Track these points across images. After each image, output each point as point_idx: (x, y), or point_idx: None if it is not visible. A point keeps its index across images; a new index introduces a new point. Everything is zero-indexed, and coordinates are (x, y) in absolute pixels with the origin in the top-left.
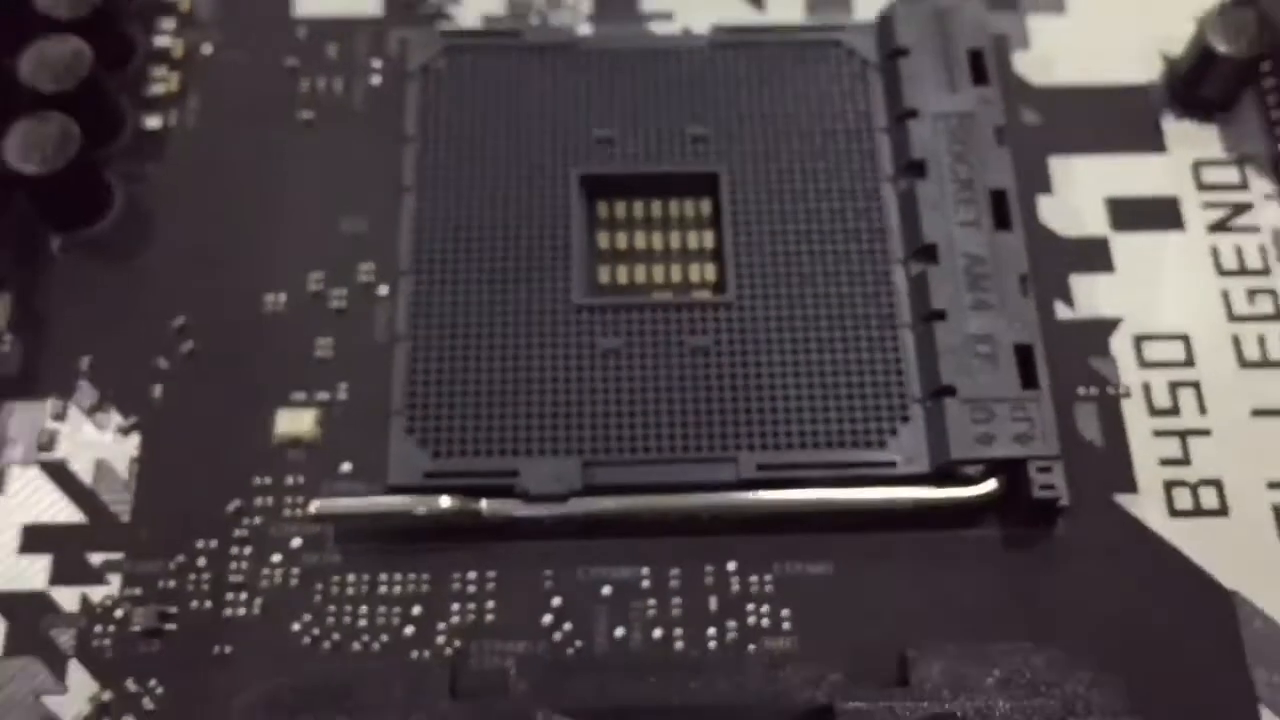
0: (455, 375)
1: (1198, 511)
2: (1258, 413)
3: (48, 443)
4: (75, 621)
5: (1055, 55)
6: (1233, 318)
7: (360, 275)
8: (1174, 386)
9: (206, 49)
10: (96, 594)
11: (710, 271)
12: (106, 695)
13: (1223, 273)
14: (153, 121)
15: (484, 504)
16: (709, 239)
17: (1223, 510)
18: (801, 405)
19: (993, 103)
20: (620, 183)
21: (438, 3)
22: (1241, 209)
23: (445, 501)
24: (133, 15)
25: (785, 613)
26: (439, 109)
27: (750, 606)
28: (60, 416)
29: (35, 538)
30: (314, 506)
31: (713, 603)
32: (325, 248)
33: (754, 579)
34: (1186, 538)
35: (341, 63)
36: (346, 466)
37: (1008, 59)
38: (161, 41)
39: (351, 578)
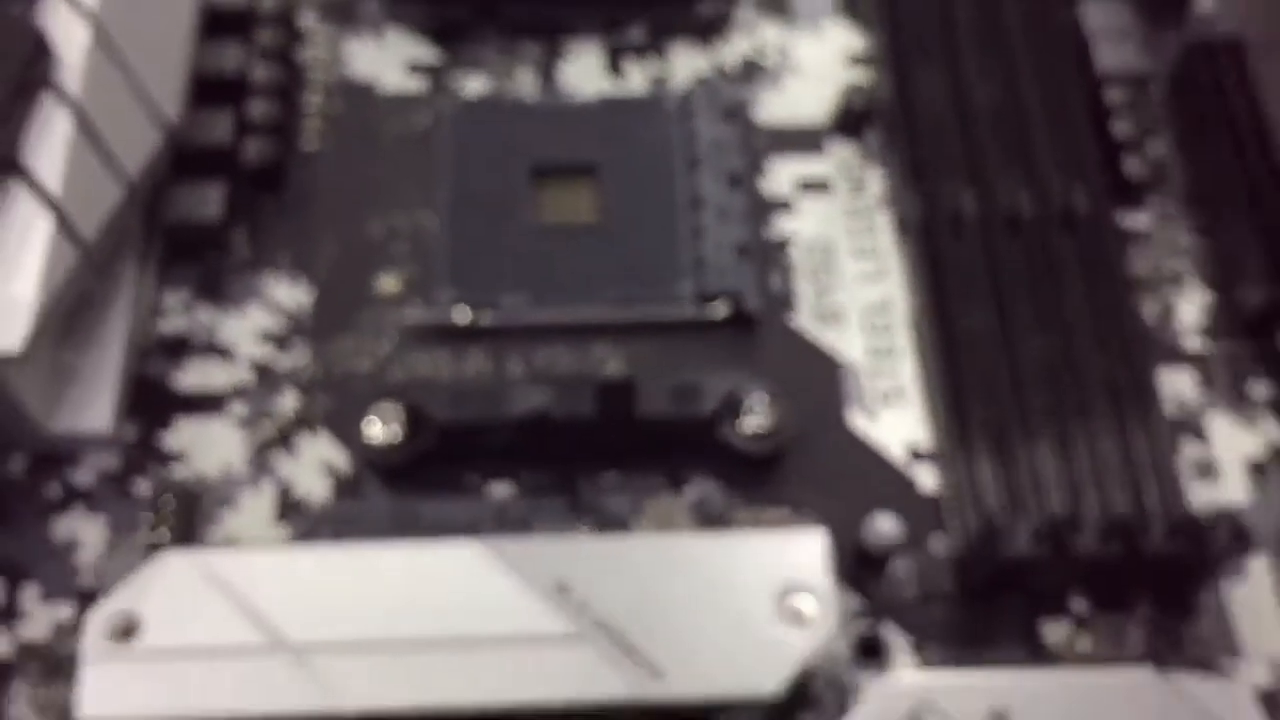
0: (468, 262)
1: (825, 320)
2: (854, 278)
3: (267, 296)
4: (288, 372)
5: (775, 111)
6: (848, 234)
7: (419, 218)
8: (815, 267)
9: (336, 108)
10: (299, 360)
11: (594, 211)
12: (301, 404)
13: (847, 216)
14: (310, 146)
15: (487, 315)
16: (592, 195)
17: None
18: (636, 270)
19: (735, 132)
20: (550, 167)
21: (457, 87)
22: (862, 184)
23: (463, 315)
24: (299, 90)
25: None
26: (459, 138)
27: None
28: (276, 283)
29: (266, 338)
30: (405, 317)
31: (609, 368)
32: (400, 206)
33: (610, 361)
34: (822, 335)
35: (405, 116)
36: (417, 304)
37: (749, 113)
38: (313, 105)
39: (422, 353)
